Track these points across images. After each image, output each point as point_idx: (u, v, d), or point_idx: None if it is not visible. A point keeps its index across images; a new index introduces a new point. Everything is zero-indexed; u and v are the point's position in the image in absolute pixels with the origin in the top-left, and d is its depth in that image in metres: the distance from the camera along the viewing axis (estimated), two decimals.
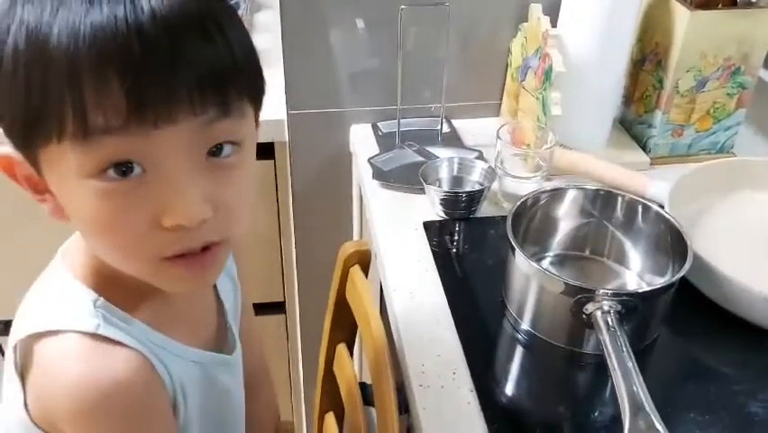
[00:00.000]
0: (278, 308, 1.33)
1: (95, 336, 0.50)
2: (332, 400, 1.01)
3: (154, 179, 0.45)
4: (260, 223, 1.22)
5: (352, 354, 0.97)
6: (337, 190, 1.19)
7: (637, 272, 0.85)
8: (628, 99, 1.13)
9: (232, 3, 1.23)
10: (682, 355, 0.81)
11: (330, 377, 1.00)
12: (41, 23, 0.42)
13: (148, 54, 0.41)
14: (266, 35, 1.24)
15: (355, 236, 1.22)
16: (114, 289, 0.53)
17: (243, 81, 0.47)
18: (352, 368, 0.93)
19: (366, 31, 1.07)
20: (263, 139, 1.12)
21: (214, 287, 0.66)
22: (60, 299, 0.53)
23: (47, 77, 0.42)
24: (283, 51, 1.07)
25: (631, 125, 1.12)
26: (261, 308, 1.32)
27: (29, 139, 0.45)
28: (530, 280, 0.77)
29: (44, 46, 0.41)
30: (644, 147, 1.09)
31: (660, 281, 0.80)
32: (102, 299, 0.52)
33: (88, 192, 0.44)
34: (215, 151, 0.47)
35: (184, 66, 0.43)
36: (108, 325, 0.51)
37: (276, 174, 1.17)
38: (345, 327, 0.95)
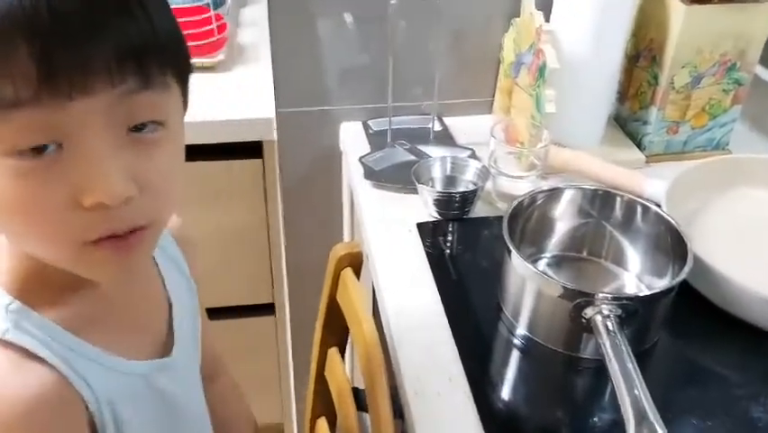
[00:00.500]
0: (267, 309, 1.30)
1: (1, 342, 0.46)
2: (324, 405, 0.99)
3: (72, 156, 0.42)
4: (248, 223, 1.19)
5: (344, 358, 0.95)
6: (327, 190, 1.16)
7: (636, 274, 0.83)
8: (623, 96, 1.11)
9: None
10: (683, 359, 0.79)
11: (321, 382, 0.98)
12: None
13: (59, 20, 0.39)
14: (252, 30, 1.20)
15: (346, 237, 1.20)
16: (40, 295, 0.49)
17: (165, 55, 0.44)
18: (343, 373, 0.91)
19: (356, 27, 1.05)
20: (251, 138, 1.09)
21: (164, 287, 0.61)
22: None
23: None
24: (271, 48, 1.04)
25: (626, 122, 1.11)
26: (250, 310, 1.30)
27: None
28: (527, 283, 0.75)
29: None
30: (639, 144, 1.07)
31: (660, 284, 0.78)
32: (18, 303, 0.48)
33: (4, 169, 0.41)
34: (138, 127, 0.44)
35: (99, 34, 0.40)
36: (18, 330, 0.47)
37: (264, 174, 1.14)
38: (337, 331, 0.93)
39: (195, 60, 1.20)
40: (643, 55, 1.05)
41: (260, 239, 1.21)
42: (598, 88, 1.03)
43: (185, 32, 1.22)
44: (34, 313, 0.48)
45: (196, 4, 1.17)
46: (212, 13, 1.17)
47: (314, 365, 0.98)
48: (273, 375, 1.39)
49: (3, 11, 0.38)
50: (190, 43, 1.15)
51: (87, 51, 0.40)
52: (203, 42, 1.18)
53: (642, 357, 0.75)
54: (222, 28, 1.20)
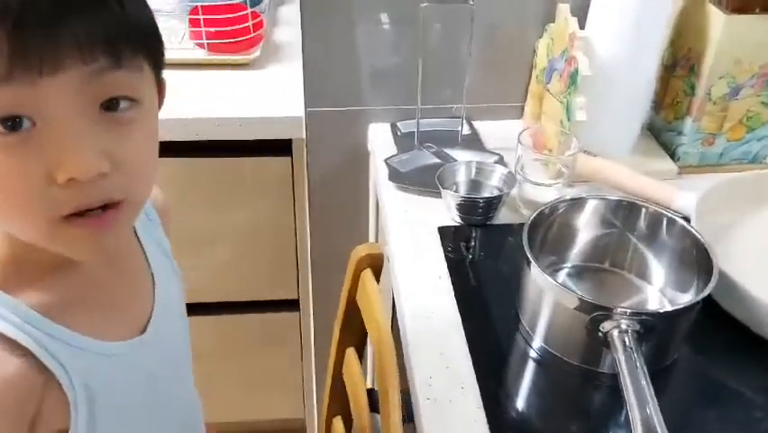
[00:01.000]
0: (292, 305, 1.31)
1: None
2: (340, 404, 1.00)
3: (45, 133, 0.43)
4: (275, 220, 1.20)
5: (361, 359, 0.95)
6: (354, 190, 1.16)
7: (659, 288, 0.82)
8: (658, 105, 1.08)
9: None
10: (704, 378, 0.77)
11: (338, 381, 0.98)
12: None
13: (31, 1, 0.40)
14: (289, 28, 1.21)
15: (371, 237, 1.20)
16: (18, 280, 0.50)
17: (137, 36, 0.45)
18: (360, 373, 0.91)
19: (387, 28, 1.05)
20: (281, 135, 1.10)
21: (148, 264, 0.61)
22: None
23: None
24: (302, 47, 1.05)
25: (660, 132, 1.08)
26: (274, 305, 1.31)
27: None
28: (544, 294, 0.74)
29: None
30: (672, 155, 1.05)
31: (683, 300, 0.76)
32: None
33: None
34: (111, 105, 0.45)
35: (70, 13, 0.41)
36: None
37: (293, 171, 1.15)
38: (355, 332, 0.93)
39: (230, 57, 1.23)
40: (680, 64, 1.02)
41: (288, 236, 1.22)
42: (631, 97, 1.01)
43: (221, 29, 1.24)
44: (8, 297, 0.49)
45: (232, 2, 1.19)
46: (248, 10, 1.18)
47: (331, 364, 0.98)
48: (296, 371, 1.40)
49: None
50: (226, 40, 1.18)
51: (58, 30, 0.41)
52: (238, 40, 1.19)
53: (661, 374, 0.74)
54: (258, 26, 1.21)
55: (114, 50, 0.43)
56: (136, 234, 0.62)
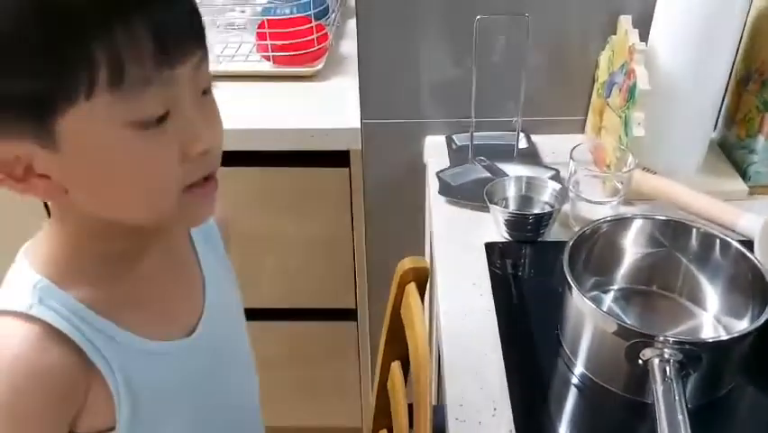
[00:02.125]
0: (350, 315, 1.33)
1: (26, 316, 0.51)
2: (386, 417, 0.99)
3: (177, 118, 0.49)
4: (334, 230, 1.22)
5: (407, 372, 0.95)
6: (410, 202, 1.16)
7: (714, 314, 0.77)
8: (730, 120, 1.03)
9: (322, 8, 1.24)
10: (760, 412, 0.72)
11: (384, 394, 0.98)
12: None
13: (166, 6, 0.47)
14: (355, 42, 1.23)
15: (426, 251, 1.19)
16: (74, 278, 0.54)
17: (204, 30, 0.52)
18: (402, 387, 0.91)
19: (445, 40, 1.04)
20: (339, 147, 1.12)
21: (200, 267, 0.65)
22: (7, 284, 0.54)
23: (69, 31, 0.44)
24: (359, 60, 1.06)
25: (731, 150, 1.02)
26: (333, 314, 1.33)
27: (47, 109, 0.46)
28: (585, 318, 0.71)
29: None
30: (743, 174, 0.99)
31: (739, 328, 0.72)
32: (46, 281, 0.53)
33: (128, 140, 0.48)
34: (204, 91, 0.52)
35: (185, 9, 0.48)
36: (42, 306, 0.52)
37: (351, 182, 1.17)
38: (400, 345, 0.93)
39: (294, 70, 1.25)
40: (753, 78, 0.96)
41: (345, 246, 1.24)
42: (696, 113, 0.96)
43: (286, 42, 1.28)
44: (61, 291, 0.53)
45: (298, 15, 1.22)
46: (313, 24, 1.21)
47: (377, 377, 0.98)
48: (354, 380, 1.41)
49: (124, 11, 0.45)
50: (291, 53, 1.21)
51: (183, 25, 0.48)
52: (303, 52, 1.22)
53: (711, 408, 0.70)
54: (322, 39, 1.23)
55: (203, 42, 0.50)
56: (191, 240, 0.65)
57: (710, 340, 0.71)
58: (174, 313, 0.61)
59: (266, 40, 1.20)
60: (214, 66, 1.25)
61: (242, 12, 1.36)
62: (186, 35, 0.48)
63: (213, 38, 1.29)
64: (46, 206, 1.05)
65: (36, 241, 0.56)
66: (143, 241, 0.57)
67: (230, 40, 1.32)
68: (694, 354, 0.65)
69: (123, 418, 0.56)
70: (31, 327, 0.52)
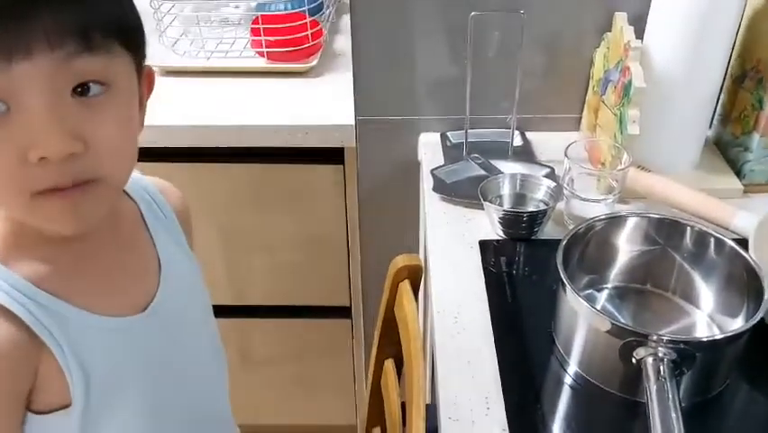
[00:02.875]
0: (344, 312, 1.32)
1: None
2: (379, 415, 0.99)
3: (18, 116, 0.46)
4: (328, 227, 1.21)
5: (401, 370, 0.94)
6: (404, 199, 1.16)
7: (708, 313, 0.77)
8: (725, 118, 1.02)
9: (316, 3, 1.24)
10: (754, 411, 0.72)
11: (378, 392, 0.98)
12: None
13: None
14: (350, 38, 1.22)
15: (421, 248, 1.19)
16: (16, 254, 0.54)
17: (108, 19, 0.48)
18: (396, 385, 0.91)
19: (439, 37, 1.04)
20: (333, 144, 1.11)
21: (156, 250, 0.64)
22: None
23: None
24: (353, 56, 1.05)
25: (726, 148, 1.02)
26: (327, 312, 1.32)
27: None
28: (578, 317, 0.71)
29: None
30: (738, 173, 0.99)
31: (733, 326, 0.72)
32: None
33: None
34: (83, 90, 0.48)
35: (35, 3, 0.44)
36: None
37: (345, 179, 1.16)
38: (393, 343, 0.93)
39: (289, 66, 1.25)
40: (749, 76, 0.96)
41: (340, 243, 1.23)
42: (691, 111, 0.96)
43: (280, 38, 1.27)
44: (3, 268, 0.53)
45: (292, 11, 1.21)
46: (307, 20, 1.20)
47: (370, 375, 0.98)
48: (348, 378, 1.41)
49: None
50: (285, 49, 1.20)
51: (26, 19, 0.44)
52: (297, 48, 1.21)
53: (705, 406, 0.70)
54: (317, 35, 1.22)
55: (84, 36, 0.46)
56: (146, 225, 0.65)
57: (704, 339, 0.71)
58: (123, 290, 0.61)
59: (260, 35, 1.20)
60: (207, 62, 1.24)
61: (237, 7, 1.35)
62: (31, 25, 0.44)
63: (207, 33, 1.28)
64: None
65: None
66: None
67: (224, 35, 1.31)
68: (688, 353, 0.65)
69: (77, 395, 0.55)
70: None
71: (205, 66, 1.22)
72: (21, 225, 0.54)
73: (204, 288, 0.71)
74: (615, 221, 0.78)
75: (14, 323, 0.52)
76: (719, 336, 0.68)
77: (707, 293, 0.77)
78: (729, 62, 0.97)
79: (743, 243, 0.77)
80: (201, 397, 0.70)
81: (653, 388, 0.63)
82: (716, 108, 1.02)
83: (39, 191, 0.48)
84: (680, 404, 0.62)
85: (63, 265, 0.56)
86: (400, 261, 0.88)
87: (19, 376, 0.54)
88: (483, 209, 0.93)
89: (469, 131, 1.04)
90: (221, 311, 1.28)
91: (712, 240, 0.75)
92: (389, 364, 0.94)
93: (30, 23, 0.44)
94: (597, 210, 0.87)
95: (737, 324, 0.72)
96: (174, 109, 1.09)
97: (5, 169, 0.47)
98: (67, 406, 0.56)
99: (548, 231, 0.92)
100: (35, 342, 0.53)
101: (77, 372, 0.55)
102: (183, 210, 0.70)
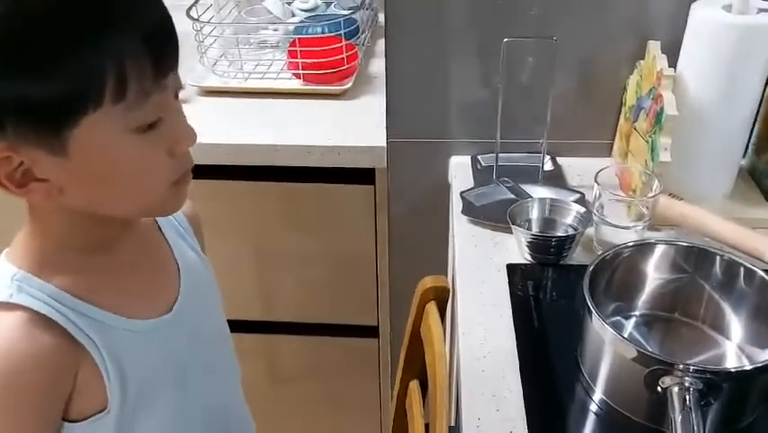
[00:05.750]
0: (372, 332, 1.33)
1: (8, 306, 0.55)
2: None
3: (167, 119, 0.55)
4: (357, 246, 1.23)
5: (426, 391, 0.95)
6: (435, 221, 1.16)
7: (737, 343, 0.76)
8: (760, 148, 1.01)
9: (352, 27, 1.26)
10: None
11: (402, 412, 0.98)
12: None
13: (161, 22, 0.53)
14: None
15: (448, 270, 1.19)
16: (53, 268, 0.57)
17: None
18: (420, 406, 0.91)
19: (472, 61, 1.05)
20: (364, 164, 1.13)
21: (173, 255, 0.69)
22: None
23: (85, 54, 0.48)
24: (386, 79, 1.07)
25: (761, 178, 1.01)
26: (355, 331, 1.33)
27: (63, 119, 0.50)
28: (604, 343, 0.71)
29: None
30: None
31: (760, 359, 0.71)
32: (23, 272, 0.56)
33: (128, 144, 0.53)
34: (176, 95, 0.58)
35: (172, 31, 0.54)
36: (22, 293, 0.55)
37: (375, 200, 1.18)
38: (419, 364, 0.93)
39: (324, 88, 1.27)
40: None
41: (368, 263, 1.24)
42: (724, 139, 0.95)
43: (316, 61, 1.30)
44: (39, 280, 0.56)
45: (329, 35, 1.23)
46: (343, 43, 1.23)
47: (395, 395, 0.98)
48: (373, 397, 1.41)
49: (128, 28, 0.50)
50: (321, 71, 1.23)
51: (172, 41, 0.54)
52: (332, 71, 1.24)
53: None
54: (352, 58, 1.25)
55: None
56: (162, 233, 0.69)
57: (732, 369, 0.70)
58: (150, 295, 0.65)
59: (297, 58, 1.22)
60: (245, 82, 1.28)
61: (275, 30, 1.39)
62: (172, 44, 0.54)
63: (246, 55, 1.31)
64: None
65: (15, 242, 0.60)
66: (116, 231, 0.61)
67: (262, 57, 1.34)
68: (715, 384, 0.64)
69: (114, 397, 0.59)
70: (14, 315, 0.55)
71: (243, 86, 1.25)
72: (57, 241, 0.58)
73: (217, 288, 0.75)
74: (643, 248, 0.78)
75: (56, 331, 0.55)
76: (748, 367, 0.68)
77: (736, 323, 0.76)
78: (765, 90, 0.97)
79: None
80: (221, 396, 0.73)
81: (679, 418, 0.62)
82: (750, 137, 1.01)
83: (175, 180, 0.58)
84: None
85: (94, 274, 0.60)
86: (428, 282, 0.89)
87: (59, 383, 0.57)
88: (512, 233, 0.93)
89: (499, 154, 1.05)
90: (250, 326, 1.30)
91: (742, 269, 0.74)
92: (414, 385, 0.94)
93: (174, 43, 0.54)
94: (626, 237, 0.87)
95: (767, 355, 0.71)
96: (211, 127, 1.12)
97: (159, 164, 0.56)
98: (99, 412, 0.58)
99: (577, 256, 0.91)
100: (76, 348, 0.57)
101: (115, 375, 0.58)
102: (193, 215, 0.74)
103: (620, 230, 0.89)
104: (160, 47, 0.53)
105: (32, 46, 0.48)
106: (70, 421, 0.59)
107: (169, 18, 0.55)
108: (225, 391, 0.75)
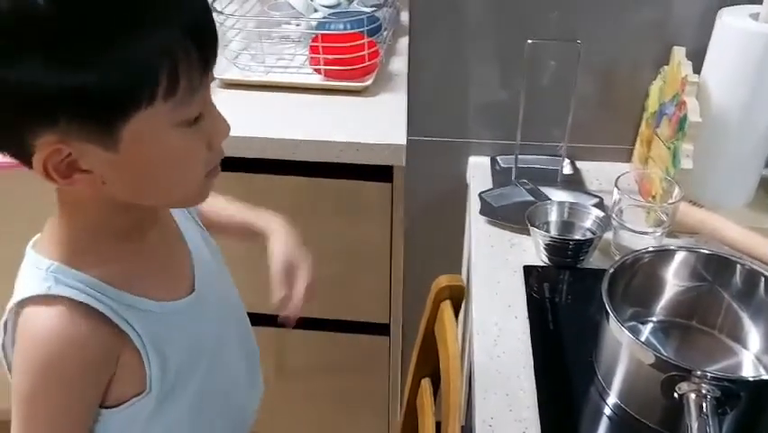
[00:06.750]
0: (383, 329, 1.33)
1: (48, 298, 0.55)
2: None
3: (207, 113, 0.57)
4: (372, 243, 1.22)
5: (437, 390, 0.94)
6: (452, 220, 1.17)
7: (755, 353, 0.75)
8: None
9: (375, 25, 1.26)
10: None
11: (412, 410, 0.98)
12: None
13: (205, 16, 0.54)
14: (406, 59, 1.24)
15: (463, 269, 1.19)
16: (86, 259, 0.58)
17: None
18: (431, 404, 0.91)
19: (494, 62, 1.05)
20: (383, 162, 1.13)
21: (184, 240, 0.70)
22: (20, 277, 0.58)
23: (144, 50, 0.49)
24: (408, 78, 1.07)
25: None
26: (367, 328, 1.33)
27: (118, 114, 0.51)
28: (621, 348, 0.70)
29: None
30: None
31: None
32: (57, 264, 0.57)
33: (174, 138, 0.54)
34: None
35: (209, 13, 0.55)
36: (60, 285, 0.56)
37: (393, 197, 1.17)
38: (431, 362, 0.93)
39: (345, 84, 1.27)
40: None
41: (383, 260, 1.24)
42: (747, 147, 0.95)
43: (338, 57, 1.30)
44: (74, 270, 0.57)
45: (351, 31, 1.23)
46: (365, 40, 1.22)
47: (406, 393, 0.98)
48: (383, 395, 1.41)
49: (178, 23, 0.51)
50: (341, 67, 1.23)
51: (213, 32, 0.55)
52: (353, 68, 1.24)
53: None
54: (373, 55, 1.25)
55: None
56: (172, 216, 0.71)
57: (751, 378, 0.70)
58: (175, 279, 0.67)
59: (318, 53, 1.22)
60: (266, 76, 1.28)
61: (298, 25, 1.39)
62: (215, 38, 0.55)
63: (268, 49, 1.31)
64: None
65: (43, 234, 0.60)
66: (148, 218, 0.62)
67: (284, 52, 1.34)
68: (733, 392, 0.64)
69: (154, 380, 0.60)
70: (55, 307, 0.55)
71: (264, 80, 1.25)
72: (89, 231, 0.59)
73: (225, 269, 0.77)
74: (663, 254, 0.78)
75: (96, 319, 0.56)
76: (766, 377, 0.67)
77: (754, 333, 0.75)
78: None
79: None
80: (236, 380, 0.75)
81: (695, 425, 0.62)
82: None
83: (209, 171, 0.59)
84: None
85: (125, 260, 0.60)
86: (443, 280, 0.89)
87: (104, 367, 0.58)
88: (528, 234, 0.93)
89: (519, 156, 1.05)
90: (262, 320, 1.30)
91: (762, 279, 0.73)
92: (426, 383, 0.94)
93: (216, 37, 0.55)
94: (645, 242, 0.86)
95: None
96: (231, 120, 1.12)
97: (200, 157, 0.58)
98: (139, 393, 0.60)
99: (594, 261, 0.91)
100: (116, 334, 0.58)
101: (155, 357, 0.60)
102: (199, 209, 0.76)
103: (639, 235, 0.88)
104: (206, 42, 0.53)
105: (91, 38, 0.48)
106: (107, 408, 0.60)
107: (210, 11, 0.55)
108: (245, 371, 0.76)
